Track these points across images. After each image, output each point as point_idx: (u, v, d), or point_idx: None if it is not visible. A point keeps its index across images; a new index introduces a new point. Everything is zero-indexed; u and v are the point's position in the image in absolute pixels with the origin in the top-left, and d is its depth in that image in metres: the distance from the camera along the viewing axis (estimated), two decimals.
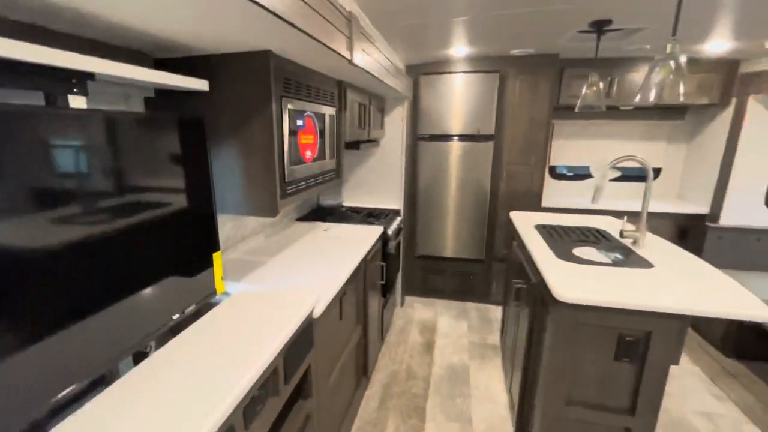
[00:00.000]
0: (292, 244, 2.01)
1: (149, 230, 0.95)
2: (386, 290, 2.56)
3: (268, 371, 1.00)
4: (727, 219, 2.77)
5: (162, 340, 1.02)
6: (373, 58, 1.69)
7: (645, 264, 1.58)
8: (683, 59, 1.33)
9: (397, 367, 2.47)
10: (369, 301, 2.09)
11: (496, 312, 3.19)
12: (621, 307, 1.29)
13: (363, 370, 2.16)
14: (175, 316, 1.05)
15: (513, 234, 2.31)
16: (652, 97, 1.34)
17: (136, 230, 0.90)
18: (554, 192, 3.46)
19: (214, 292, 1.21)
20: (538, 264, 1.58)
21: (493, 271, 3.24)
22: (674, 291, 1.33)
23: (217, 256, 1.20)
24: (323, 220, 2.55)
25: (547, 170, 3.41)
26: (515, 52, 2.70)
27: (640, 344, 1.34)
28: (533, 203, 3.03)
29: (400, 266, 3.15)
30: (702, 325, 2.80)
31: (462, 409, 2.10)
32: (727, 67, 2.71)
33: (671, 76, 1.29)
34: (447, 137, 3.02)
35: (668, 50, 1.30)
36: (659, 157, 3.31)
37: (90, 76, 0.85)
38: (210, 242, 1.18)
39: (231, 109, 1.18)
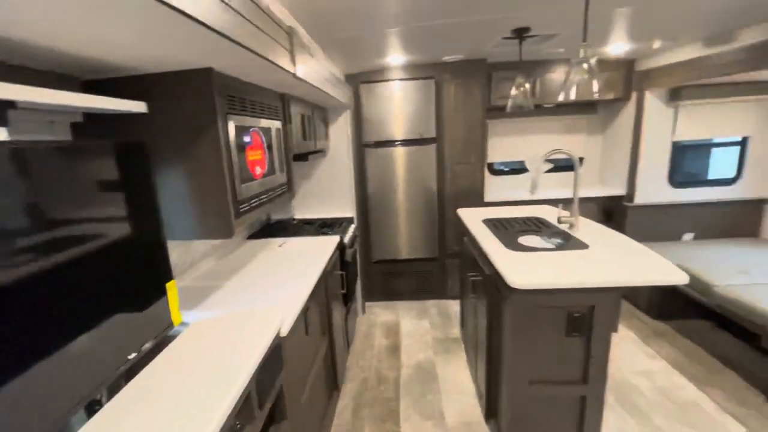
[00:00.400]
0: (247, 263, 1.93)
1: (89, 267, 0.87)
2: (347, 299, 2.55)
3: (242, 399, 0.97)
4: (640, 198, 3.16)
5: (118, 385, 0.94)
6: (314, 69, 1.70)
7: (582, 246, 1.75)
8: (594, 61, 1.51)
9: (367, 374, 2.47)
10: (333, 312, 2.08)
11: (454, 306, 3.32)
12: (567, 287, 1.42)
13: (333, 383, 2.14)
14: (132, 356, 0.97)
15: (463, 230, 2.44)
16: (572, 95, 1.50)
17: (72, 269, 0.82)
18: (495, 187, 3.69)
19: (171, 324, 1.13)
20: (490, 256, 1.68)
21: (447, 268, 3.37)
22: (609, 267, 1.49)
23: (171, 286, 1.13)
24: (276, 235, 2.48)
25: (486, 167, 3.63)
26: (447, 58, 2.86)
27: (585, 319, 1.49)
28: (477, 199, 3.21)
29: (359, 273, 3.16)
30: (631, 294, 3.15)
31: (434, 405, 2.16)
32: (626, 65, 3.10)
33: (586, 76, 1.47)
34: (391, 143, 3.10)
35: (581, 54, 1.48)
36: (581, 147, 3.67)
37: (10, 104, 0.77)
38: (162, 272, 1.11)
39: (174, 130, 1.12)
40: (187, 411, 0.84)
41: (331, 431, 2.00)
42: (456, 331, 2.94)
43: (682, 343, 2.59)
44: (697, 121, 3.01)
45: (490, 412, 1.94)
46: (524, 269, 1.50)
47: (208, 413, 0.83)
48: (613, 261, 1.55)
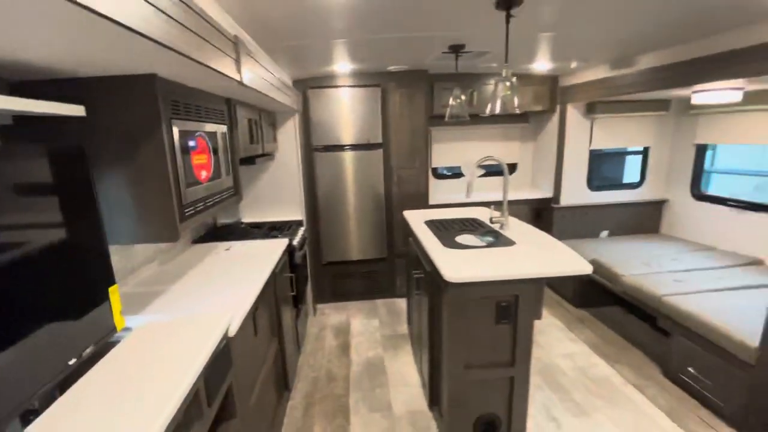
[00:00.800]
0: (192, 268, 1.91)
1: (26, 272, 0.87)
2: (298, 301, 2.59)
3: (190, 395, 1.00)
4: (565, 200, 3.53)
5: (60, 389, 0.93)
6: (260, 76, 1.74)
7: (510, 243, 1.96)
8: (514, 79, 1.72)
9: (317, 374, 2.52)
10: (282, 314, 2.11)
11: (402, 304, 3.46)
12: (495, 280, 1.60)
13: (284, 383, 2.17)
14: (72, 361, 0.96)
15: (408, 231, 2.58)
16: (497, 109, 1.70)
17: (5, 274, 0.81)
18: (438, 190, 3.90)
19: (114, 329, 1.13)
20: (430, 254, 1.83)
21: (395, 267, 3.51)
22: (530, 261, 1.70)
23: (113, 290, 1.12)
24: (222, 239, 2.45)
25: (430, 172, 3.84)
26: (392, 68, 3.01)
27: (511, 307, 1.68)
28: (422, 202, 3.39)
29: (309, 276, 3.20)
30: (557, 285, 3.51)
31: (382, 398, 2.27)
32: (551, 81, 3.46)
33: (509, 93, 1.67)
34: (340, 147, 3.19)
35: (504, 73, 1.68)
36: (515, 154, 4.01)
37: None
38: (104, 276, 1.10)
39: (117, 134, 1.12)
40: (135, 408, 0.87)
41: (282, 430, 2.04)
42: (404, 327, 3.08)
43: (598, 328, 2.94)
44: (609, 133, 3.44)
45: (433, 399, 2.09)
46: (459, 265, 1.66)
47: (157, 410, 0.86)
48: (535, 256, 1.76)
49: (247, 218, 3.03)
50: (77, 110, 1.04)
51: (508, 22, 1.58)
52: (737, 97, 2.37)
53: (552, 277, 1.63)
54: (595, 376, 2.38)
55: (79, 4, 0.61)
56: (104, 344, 1.10)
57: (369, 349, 2.80)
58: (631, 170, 3.75)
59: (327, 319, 3.27)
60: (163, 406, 0.87)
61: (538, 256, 1.76)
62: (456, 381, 1.74)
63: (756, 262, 2.72)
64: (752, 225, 2.81)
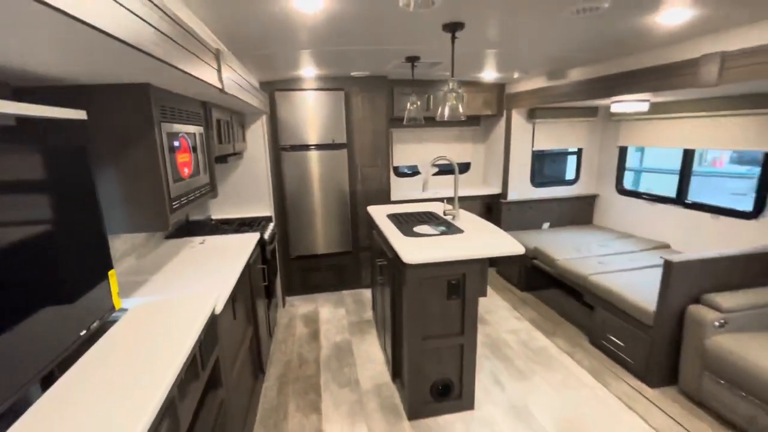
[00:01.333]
0: (170, 260, 2.04)
1: (42, 257, 1.01)
2: (269, 293, 2.75)
3: (189, 359, 1.18)
4: (511, 195, 3.93)
5: (72, 360, 1.08)
6: (236, 82, 1.91)
7: (459, 231, 2.26)
8: (461, 90, 2.01)
9: (289, 358, 2.70)
10: (256, 302, 2.28)
11: (367, 294, 3.71)
12: (446, 260, 1.88)
13: (259, 366, 2.33)
14: (82, 333, 1.11)
15: (372, 225, 2.83)
16: (446, 116, 1.98)
17: (26, 258, 0.96)
18: (400, 187, 4.18)
19: (113, 308, 1.28)
20: (391, 242, 2.09)
21: (360, 260, 3.75)
22: (475, 245, 2.00)
23: (112, 274, 1.27)
24: (195, 234, 2.57)
25: (392, 170, 4.11)
26: (355, 73, 3.23)
27: (460, 285, 1.97)
28: (384, 198, 3.65)
29: (278, 270, 3.35)
30: (505, 271, 3.91)
31: (350, 375, 2.50)
32: (499, 89, 3.84)
33: (455, 102, 1.96)
34: (306, 147, 3.37)
35: (451, 86, 1.97)
36: (469, 154, 4.38)
37: None
38: (104, 261, 1.25)
39: (113, 135, 1.27)
40: (145, 369, 1.04)
41: (259, 408, 2.21)
42: (369, 314, 3.32)
43: (539, 307, 3.35)
44: (548, 135, 3.88)
45: (396, 372, 2.35)
46: (416, 250, 1.92)
47: (164, 370, 1.04)
48: (479, 241, 2.07)
49: (217, 215, 3.14)
50: (80, 114, 1.18)
51: (453, 42, 1.87)
52: (645, 107, 2.83)
53: (492, 257, 1.94)
54: (535, 347, 2.75)
55: (85, 22, 0.73)
56: (106, 321, 1.24)
57: (337, 334, 3.01)
58: (566, 169, 4.23)
59: (296, 309, 3.45)
60: (169, 366, 1.05)
61: (481, 241, 2.07)
62: (414, 350, 2.01)
63: (663, 246, 3.23)
64: (661, 215, 3.33)
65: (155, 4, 0.96)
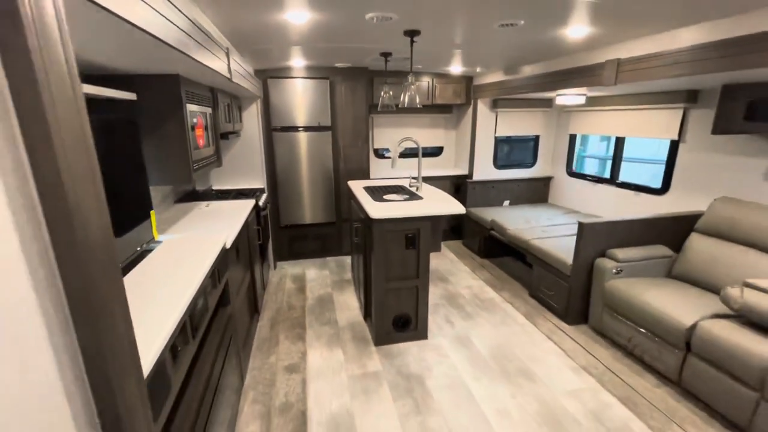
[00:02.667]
0: (184, 216, 2.52)
1: (112, 198, 1.49)
2: (262, 252, 3.25)
3: (209, 273, 1.69)
4: (476, 176, 4.47)
5: (137, 261, 1.58)
6: (238, 72, 2.37)
7: (419, 198, 2.79)
8: (417, 84, 2.51)
9: (279, 305, 3.23)
10: (253, 256, 2.78)
11: (347, 260, 4.24)
12: (404, 217, 2.41)
13: (254, 308, 2.85)
14: (138, 248, 1.61)
15: (351, 194, 3.33)
16: (406, 104, 2.49)
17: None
18: (379, 168, 4.69)
19: (153, 238, 1.77)
20: (364, 205, 2.60)
21: (342, 230, 4.26)
22: (427, 207, 2.53)
23: (152, 214, 1.76)
24: (200, 200, 3.04)
25: (372, 152, 4.60)
26: (338, 64, 3.69)
27: (415, 238, 2.50)
28: (364, 176, 4.15)
29: (270, 235, 3.85)
30: (469, 243, 4.48)
31: (330, 317, 3.05)
32: (467, 80, 4.34)
33: (413, 93, 2.46)
34: (295, 128, 3.83)
35: (410, 80, 2.47)
36: (441, 139, 4.89)
37: None
38: (147, 204, 1.73)
39: (153, 112, 1.74)
40: (182, 276, 1.55)
41: (255, 339, 2.74)
42: (348, 275, 3.86)
43: (495, 271, 3.93)
44: (509, 123, 4.41)
45: (367, 313, 2.90)
46: (381, 210, 2.44)
47: (196, 276, 1.55)
48: (431, 205, 2.60)
49: (217, 185, 3.60)
50: (131, 96, 1.65)
51: (412, 45, 2.36)
52: (582, 100, 3.38)
53: (439, 215, 2.48)
54: (484, 298, 3.33)
55: (139, 27, 1.24)
56: (148, 248, 1.74)
57: (320, 289, 3.55)
58: (525, 154, 4.78)
59: (285, 271, 3.97)
60: (198, 270, 1.56)
61: (433, 205, 2.60)
62: (380, 290, 2.55)
63: (597, 218, 3.82)
64: (599, 193, 3.92)
65: (184, 14, 1.43)
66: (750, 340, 1.82)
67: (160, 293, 1.34)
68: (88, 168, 0.63)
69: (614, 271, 2.60)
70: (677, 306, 2.18)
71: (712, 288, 2.36)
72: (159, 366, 1.02)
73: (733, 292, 1.93)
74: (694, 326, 2.04)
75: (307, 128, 3.85)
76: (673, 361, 2.14)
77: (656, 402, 2.10)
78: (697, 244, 2.55)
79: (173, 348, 1.17)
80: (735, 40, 1.82)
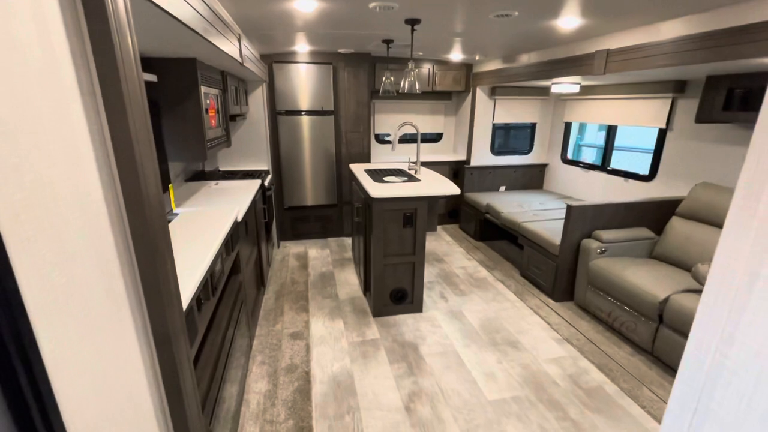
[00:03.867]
0: (196, 192, 2.68)
1: None
2: (267, 230, 3.42)
3: (225, 239, 1.86)
4: (474, 162, 4.62)
5: None
6: (248, 56, 2.50)
7: (417, 180, 2.94)
8: (418, 70, 2.64)
9: (284, 281, 3.42)
10: (259, 233, 2.95)
11: (348, 240, 4.42)
12: (402, 196, 2.57)
13: (261, 281, 3.04)
14: None
15: (352, 176, 3.49)
16: (406, 89, 2.62)
17: None
18: (379, 152, 4.82)
19: (171, 210, 1.93)
20: (365, 185, 2.76)
21: (343, 212, 4.43)
22: (424, 188, 2.69)
23: (171, 187, 1.92)
24: (209, 179, 3.20)
25: (373, 136, 4.74)
26: (342, 50, 3.80)
27: (412, 217, 2.67)
28: (365, 160, 4.30)
29: (274, 215, 4.01)
30: (465, 227, 4.65)
31: (331, 291, 3.24)
32: (467, 68, 4.45)
33: (413, 80, 2.59)
34: (299, 112, 3.96)
35: (410, 66, 2.59)
36: (441, 125, 5.02)
37: None
38: (167, 178, 1.89)
39: (173, 93, 1.88)
40: (202, 241, 1.71)
41: (261, 309, 2.93)
42: (349, 254, 4.04)
43: (488, 252, 4.12)
44: (507, 111, 4.54)
45: (366, 288, 3.09)
46: (382, 189, 2.60)
47: (215, 241, 1.71)
48: (428, 186, 2.76)
49: (224, 167, 3.75)
50: (153, 77, 1.80)
51: (412, 33, 2.48)
52: (576, 89, 3.50)
53: (435, 195, 2.64)
54: (477, 277, 3.52)
55: (167, 12, 1.39)
56: (168, 217, 1.90)
57: (322, 266, 3.73)
58: (521, 141, 4.91)
59: (289, 250, 4.15)
60: (215, 239, 1.73)
61: (429, 186, 2.76)
62: (378, 265, 2.73)
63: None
64: (590, 180, 4.07)
65: (204, 1, 1.56)
66: None
67: (185, 254, 1.51)
68: (146, 134, 0.80)
69: (599, 251, 2.77)
70: (653, 282, 2.36)
71: (687, 267, 2.54)
72: (189, 310, 1.20)
73: (703, 268, 2.10)
74: (666, 300, 2.22)
75: (310, 112, 3.98)
76: (647, 332, 2.34)
77: (630, 368, 2.30)
78: (676, 226, 2.72)
79: (198, 300, 1.34)
80: (714, 33, 1.95)
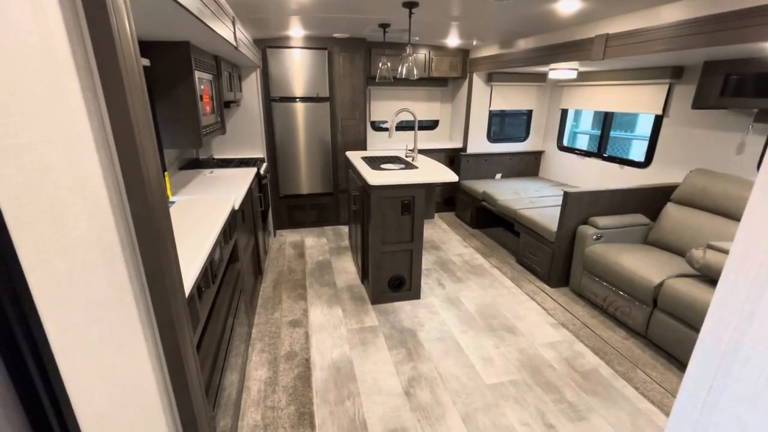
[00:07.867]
0: (190, 181, 2.64)
1: None
2: (264, 219, 3.40)
3: (223, 227, 1.84)
4: (470, 149, 4.60)
5: None
6: (242, 40, 2.44)
7: (414, 167, 2.93)
8: (415, 56, 2.60)
9: (281, 269, 3.41)
10: (256, 222, 2.93)
11: (345, 229, 4.41)
12: (400, 184, 2.56)
13: (258, 270, 3.03)
14: None
15: (349, 164, 3.46)
16: (404, 74, 2.58)
17: None
18: (375, 140, 4.78)
19: (168, 198, 1.90)
20: (362, 173, 2.74)
21: (339, 200, 4.41)
22: (422, 176, 2.67)
23: (166, 174, 1.89)
24: (203, 167, 3.15)
25: (369, 123, 4.69)
26: (337, 35, 3.72)
27: (410, 204, 2.66)
28: (361, 148, 4.26)
29: (270, 203, 3.98)
30: (462, 214, 4.66)
31: (329, 279, 3.24)
32: (463, 53, 4.39)
33: (411, 65, 2.55)
34: (293, 99, 3.89)
35: (408, 51, 2.55)
36: (437, 112, 4.98)
37: None
38: (162, 166, 1.86)
39: (166, 78, 1.83)
40: (199, 229, 1.69)
41: (259, 298, 2.93)
42: (345, 243, 4.04)
43: (484, 240, 4.14)
44: (503, 97, 4.51)
45: (364, 276, 3.09)
46: (380, 177, 2.59)
47: (211, 230, 1.69)
48: (425, 173, 2.75)
49: (218, 155, 3.70)
50: (145, 62, 1.75)
51: (410, 16, 2.43)
52: (573, 75, 3.48)
53: (433, 182, 2.63)
54: (474, 264, 3.54)
55: None
56: None
57: (319, 255, 3.73)
58: (517, 128, 4.90)
59: (285, 238, 4.13)
60: (213, 227, 1.71)
61: (427, 173, 2.75)
62: (376, 252, 2.73)
63: None
64: (586, 167, 4.08)
65: None
66: (708, 295, 2.03)
67: (184, 242, 1.50)
68: (146, 120, 0.77)
69: (594, 237, 2.80)
70: (648, 267, 2.39)
71: (681, 252, 2.57)
72: (190, 298, 1.19)
73: (697, 253, 2.13)
74: (661, 284, 2.26)
75: (304, 99, 3.92)
76: (642, 316, 2.38)
77: (624, 351, 2.34)
78: (671, 212, 2.75)
79: (199, 288, 1.33)
80: (714, 16, 1.93)
